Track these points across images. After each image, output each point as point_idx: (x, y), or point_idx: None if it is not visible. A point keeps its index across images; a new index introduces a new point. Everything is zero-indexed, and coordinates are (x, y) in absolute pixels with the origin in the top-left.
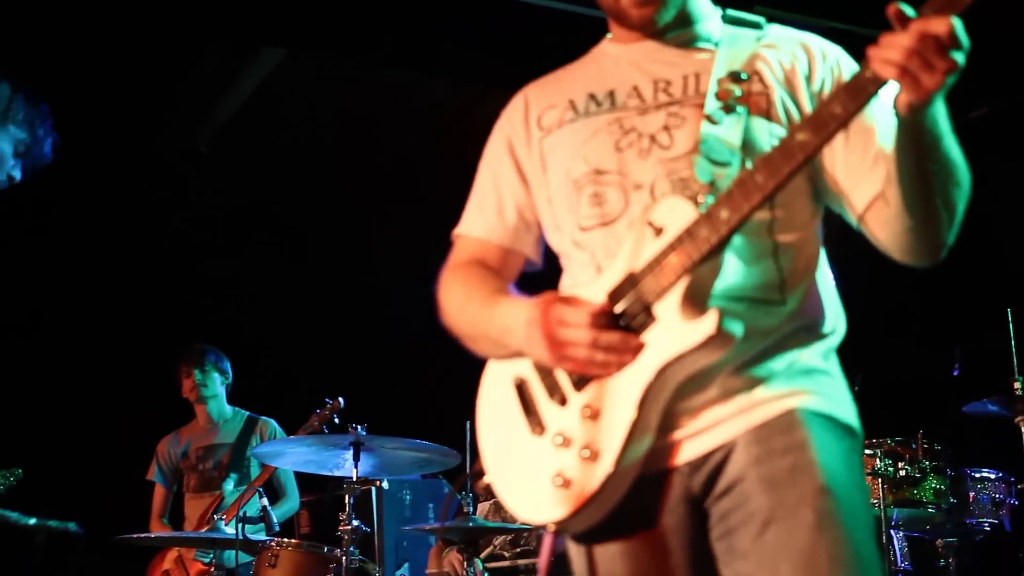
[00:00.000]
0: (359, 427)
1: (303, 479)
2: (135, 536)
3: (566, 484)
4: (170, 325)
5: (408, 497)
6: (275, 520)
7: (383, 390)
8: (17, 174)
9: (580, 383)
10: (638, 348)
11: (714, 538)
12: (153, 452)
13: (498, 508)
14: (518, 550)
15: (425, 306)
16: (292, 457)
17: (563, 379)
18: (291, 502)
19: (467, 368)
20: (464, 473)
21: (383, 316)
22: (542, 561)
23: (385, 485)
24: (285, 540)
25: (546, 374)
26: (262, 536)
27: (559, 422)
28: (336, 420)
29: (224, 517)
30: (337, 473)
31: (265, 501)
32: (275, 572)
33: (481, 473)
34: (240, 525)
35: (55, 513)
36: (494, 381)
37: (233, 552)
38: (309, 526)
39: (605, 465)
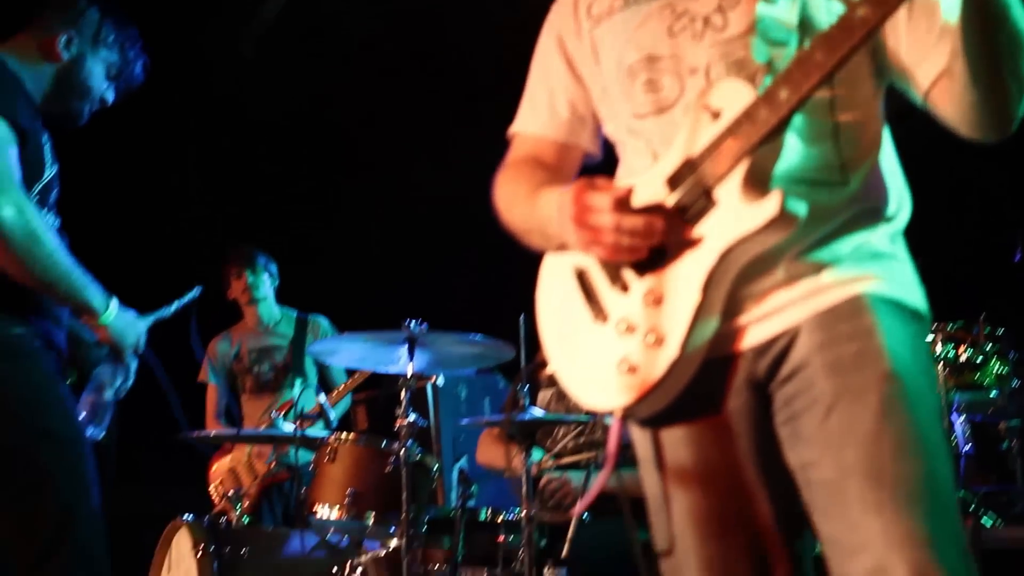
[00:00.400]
0: (413, 323)
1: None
2: (196, 435)
3: (632, 370)
4: (217, 230)
5: (464, 392)
6: (332, 416)
7: (437, 286)
8: (110, 96)
9: (642, 269)
10: (661, 231)
11: (778, 423)
12: (204, 353)
13: (560, 397)
14: (582, 440)
15: (479, 202)
16: (347, 354)
17: (625, 265)
18: (343, 399)
19: (520, 262)
20: (520, 367)
21: (435, 213)
22: (610, 447)
23: (440, 381)
24: (343, 435)
25: (606, 262)
26: (321, 432)
27: (622, 308)
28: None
29: (282, 415)
30: (392, 370)
31: (322, 398)
32: (334, 467)
33: (544, 363)
34: (298, 422)
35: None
36: (553, 271)
37: (293, 449)
38: (366, 422)
39: (670, 350)
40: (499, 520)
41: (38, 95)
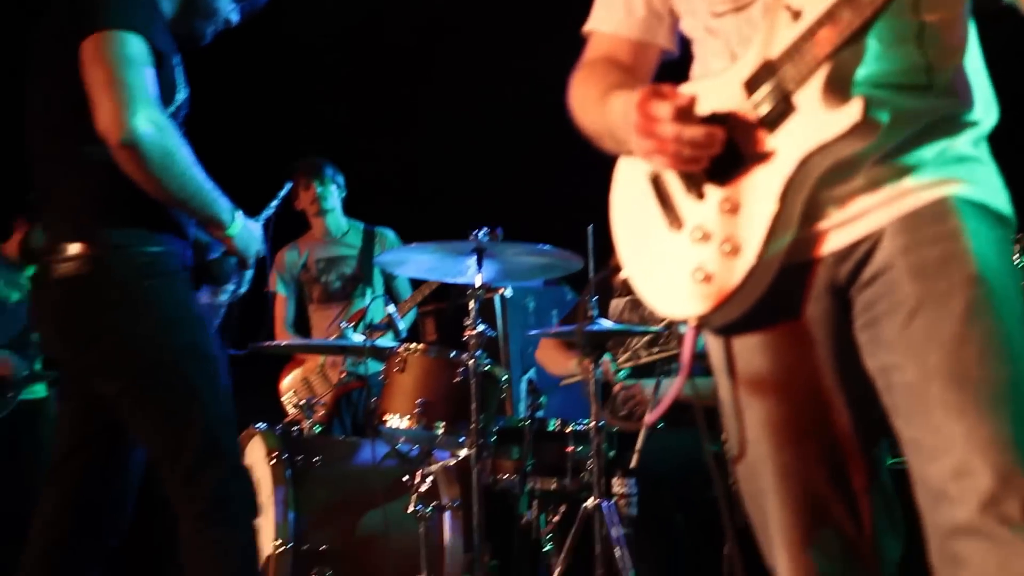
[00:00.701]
0: (481, 233)
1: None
2: (267, 344)
3: (707, 279)
4: (285, 142)
5: (532, 304)
6: (401, 327)
7: (505, 196)
8: (235, 18)
9: (718, 176)
10: (723, 142)
11: (858, 328)
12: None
13: (634, 306)
14: (655, 349)
15: (548, 108)
16: (415, 265)
17: (699, 172)
18: (411, 311)
19: (590, 171)
20: (589, 277)
21: (504, 121)
22: (685, 356)
23: (508, 292)
24: (413, 345)
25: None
26: (390, 343)
27: (697, 216)
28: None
29: (352, 325)
30: (460, 280)
31: (391, 308)
32: (404, 376)
33: (617, 268)
34: (368, 333)
35: None
36: (627, 176)
37: (363, 360)
38: (435, 333)
39: (747, 259)
40: (568, 430)
41: (169, 17)
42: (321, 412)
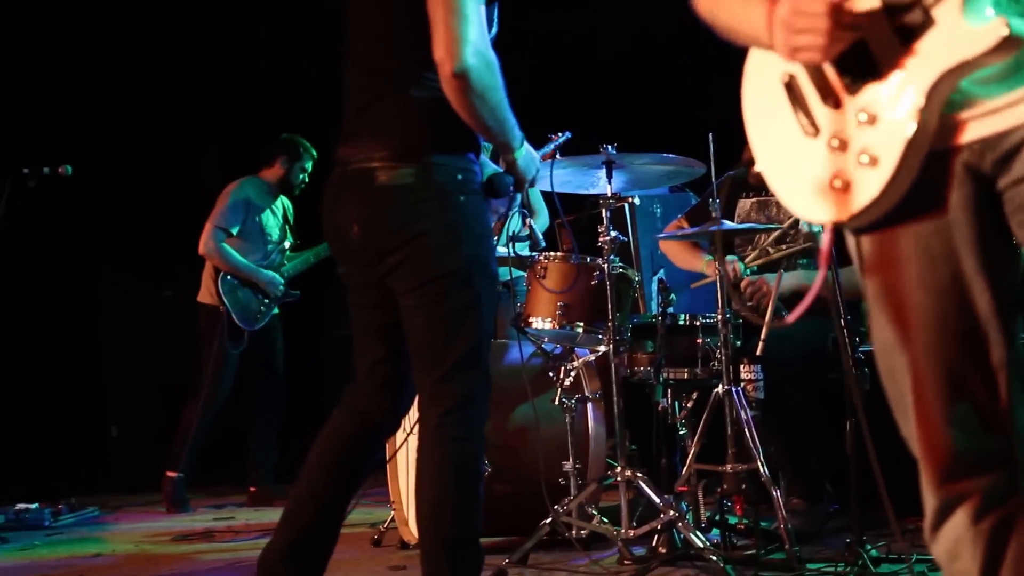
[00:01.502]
0: (609, 146)
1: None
2: None
3: (845, 187)
4: None
5: (659, 210)
6: (540, 237)
7: (627, 108)
8: None
9: (854, 86)
10: (871, 42)
11: (1015, 225)
12: None
13: (761, 207)
14: (783, 246)
15: (661, 18)
16: (550, 179)
17: (836, 81)
18: (542, 218)
19: (708, 82)
20: (712, 181)
21: (621, 37)
22: (823, 255)
23: (637, 200)
24: (551, 253)
25: (818, 75)
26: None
27: (834, 124)
28: (559, 156)
29: (495, 238)
30: (592, 191)
31: (531, 220)
32: (545, 282)
33: (751, 161)
34: (511, 243)
35: None
36: (760, 77)
37: (506, 268)
38: (570, 242)
39: (885, 171)
40: (697, 324)
41: None
42: None
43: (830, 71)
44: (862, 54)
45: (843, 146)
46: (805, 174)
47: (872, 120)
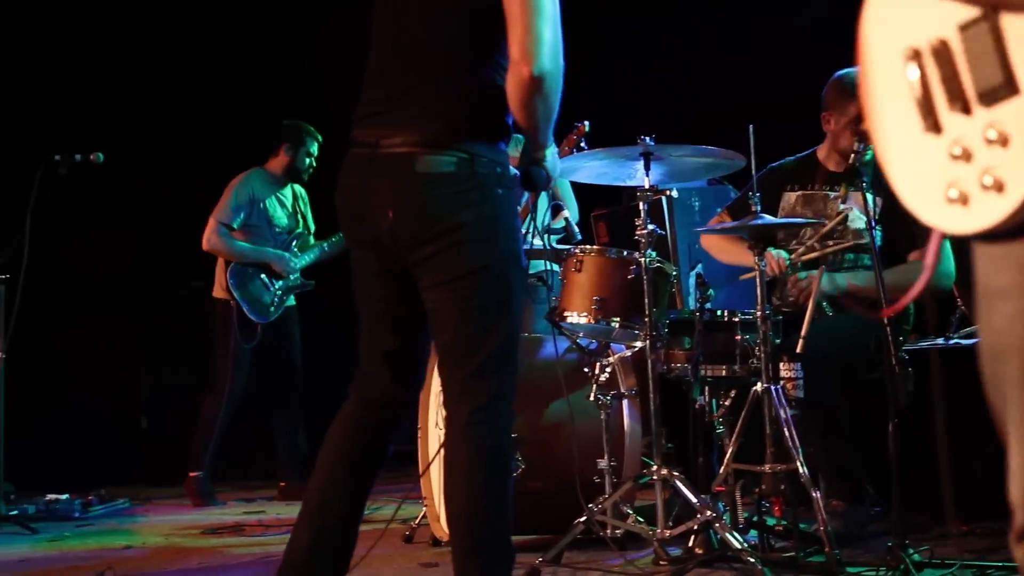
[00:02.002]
0: (647, 138)
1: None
2: None
3: (963, 201)
4: None
5: (697, 203)
6: (576, 230)
7: (666, 100)
8: None
9: (989, 98)
10: None
11: None
12: None
13: (807, 200)
14: (830, 242)
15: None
16: (586, 171)
17: (969, 86)
18: (571, 212)
19: (745, 74)
20: (752, 174)
21: (658, 23)
22: (929, 259)
23: (674, 193)
24: (587, 247)
25: (949, 74)
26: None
27: (959, 129)
28: (583, 145)
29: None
30: (630, 184)
31: (567, 213)
32: (581, 276)
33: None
34: (547, 236)
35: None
36: (882, 48)
37: (541, 262)
38: (607, 235)
39: (1010, 202)
40: (736, 320)
41: None
42: None
43: (964, 69)
44: (1003, 59)
45: (966, 157)
46: (920, 169)
47: (1004, 141)
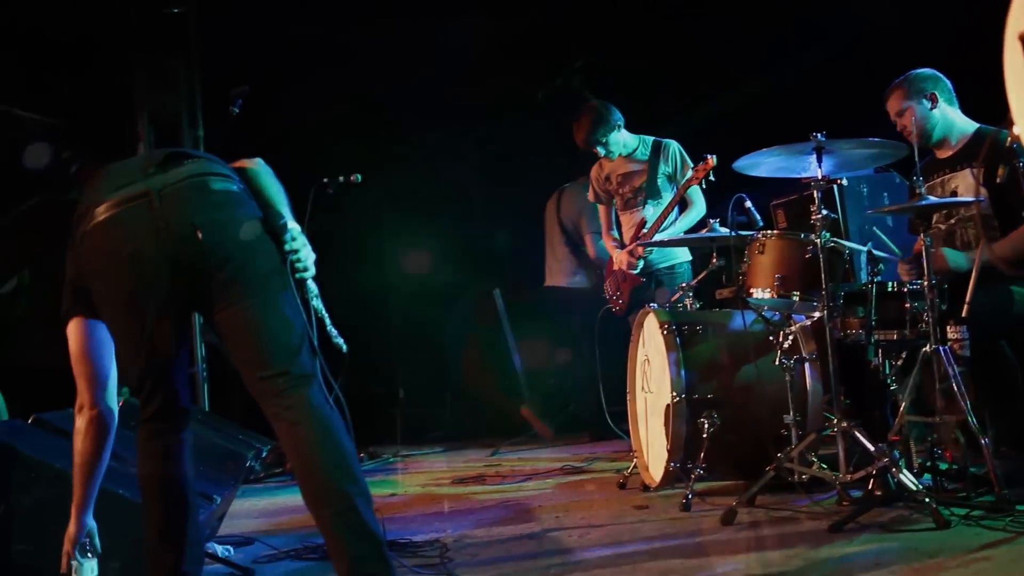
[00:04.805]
0: (819, 134)
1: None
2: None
3: None
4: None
5: (865, 190)
6: (758, 217)
7: (837, 98)
8: None
9: None
10: None
11: None
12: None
13: (930, 190)
14: (951, 221)
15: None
16: (766, 167)
17: None
18: (698, 208)
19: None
20: (916, 162)
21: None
22: None
23: (844, 182)
24: (769, 231)
25: None
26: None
27: None
28: (711, 177)
29: (645, 236)
30: (805, 175)
31: (749, 204)
32: (764, 257)
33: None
34: (733, 224)
35: None
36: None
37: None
38: (785, 221)
39: None
40: (905, 290)
41: None
42: (620, 302)
43: None
44: None
45: None
46: None
47: None
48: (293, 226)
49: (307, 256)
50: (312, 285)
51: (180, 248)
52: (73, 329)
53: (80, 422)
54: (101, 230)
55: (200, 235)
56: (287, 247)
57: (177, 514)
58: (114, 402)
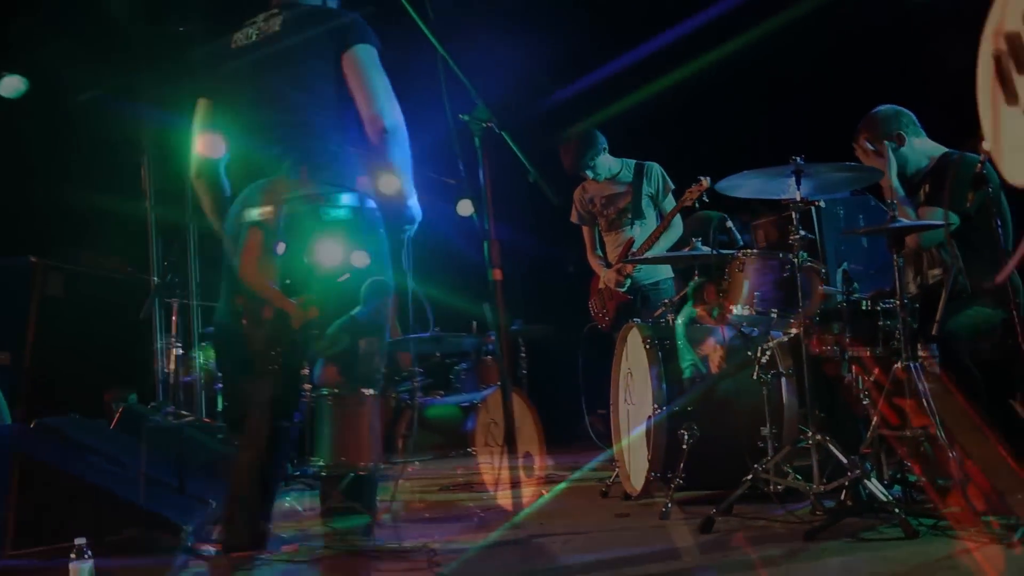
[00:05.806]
0: (798, 158)
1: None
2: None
3: None
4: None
5: (841, 212)
6: (739, 236)
7: (814, 121)
8: None
9: None
10: None
11: None
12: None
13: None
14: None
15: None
16: (747, 188)
17: None
18: (676, 229)
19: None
20: (892, 186)
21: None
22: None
23: (822, 204)
24: (748, 250)
25: (1017, 51)
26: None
27: None
28: (705, 199)
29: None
30: (783, 197)
31: (729, 223)
32: (742, 275)
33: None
34: (715, 244)
35: None
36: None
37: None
38: (764, 240)
39: None
40: (878, 309)
41: None
42: (606, 319)
43: None
44: None
45: None
46: (1010, 140)
47: None
48: None
49: None
50: None
51: None
52: None
53: None
54: None
55: None
56: None
57: None
58: None
